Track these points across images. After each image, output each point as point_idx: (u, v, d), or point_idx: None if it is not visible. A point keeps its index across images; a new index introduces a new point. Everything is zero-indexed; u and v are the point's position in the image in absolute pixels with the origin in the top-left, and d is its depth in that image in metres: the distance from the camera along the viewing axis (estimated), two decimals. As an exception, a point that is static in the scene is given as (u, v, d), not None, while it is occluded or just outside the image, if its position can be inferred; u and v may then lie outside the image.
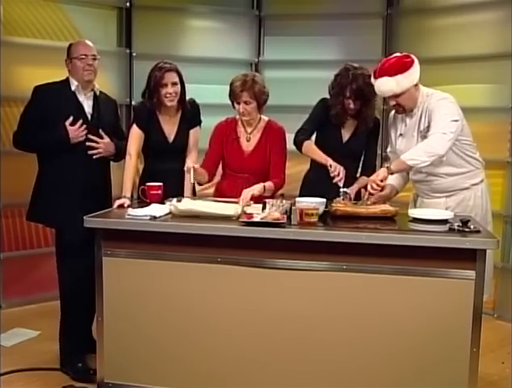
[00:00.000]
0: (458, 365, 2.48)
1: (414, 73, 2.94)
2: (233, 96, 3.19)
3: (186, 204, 2.86)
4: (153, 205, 2.89)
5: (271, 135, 3.27)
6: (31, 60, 4.13)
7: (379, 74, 2.95)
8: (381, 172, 2.90)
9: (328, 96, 3.30)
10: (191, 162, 3.17)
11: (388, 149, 3.26)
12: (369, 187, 2.87)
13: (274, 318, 2.61)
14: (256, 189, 3.04)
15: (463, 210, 2.97)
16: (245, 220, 2.62)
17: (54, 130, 3.12)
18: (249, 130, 3.28)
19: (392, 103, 3.00)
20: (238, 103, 3.18)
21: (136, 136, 3.23)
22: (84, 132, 3.15)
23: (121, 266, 2.72)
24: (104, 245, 2.71)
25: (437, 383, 2.52)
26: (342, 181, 3.04)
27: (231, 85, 3.20)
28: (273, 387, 2.66)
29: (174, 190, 3.12)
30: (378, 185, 2.86)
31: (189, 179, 3.07)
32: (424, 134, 2.95)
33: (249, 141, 3.28)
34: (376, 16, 4.73)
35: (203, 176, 3.20)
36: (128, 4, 4.55)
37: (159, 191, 3.04)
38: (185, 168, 3.13)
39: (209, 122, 3.48)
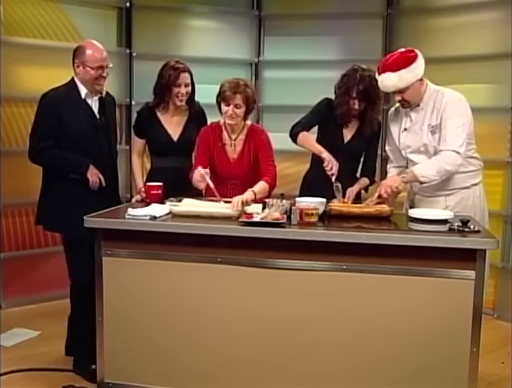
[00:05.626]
0: (458, 365, 2.48)
1: (418, 67, 2.93)
2: (224, 97, 3.08)
3: (187, 204, 2.86)
4: (153, 205, 2.89)
5: (254, 139, 3.21)
6: (31, 60, 4.12)
7: (382, 70, 2.94)
8: (397, 181, 2.91)
9: (330, 97, 3.31)
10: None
11: (387, 147, 3.25)
12: (383, 191, 2.88)
13: (274, 318, 2.61)
14: (246, 196, 2.89)
15: (462, 209, 2.97)
16: (245, 220, 2.62)
17: (76, 162, 3.06)
18: (233, 137, 3.22)
19: (398, 98, 2.99)
20: (228, 105, 3.08)
21: (137, 144, 3.48)
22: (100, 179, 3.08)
23: (121, 266, 2.72)
24: (104, 245, 2.72)
25: (437, 383, 2.52)
26: (335, 176, 3.06)
27: (222, 86, 3.11)
28: (273, 387, 2.66)
29: (180, 188, 3.11)
30: (392, 191, 2.89)
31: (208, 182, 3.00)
32: (434, 130, 2.95)
33: (234, 147, 3.23)
34: (376, 16, 4.72)
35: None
36: (127, 4, 4.55)
37: (159, 191, 3.05)
38: (196, 175, 3.01)
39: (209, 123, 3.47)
